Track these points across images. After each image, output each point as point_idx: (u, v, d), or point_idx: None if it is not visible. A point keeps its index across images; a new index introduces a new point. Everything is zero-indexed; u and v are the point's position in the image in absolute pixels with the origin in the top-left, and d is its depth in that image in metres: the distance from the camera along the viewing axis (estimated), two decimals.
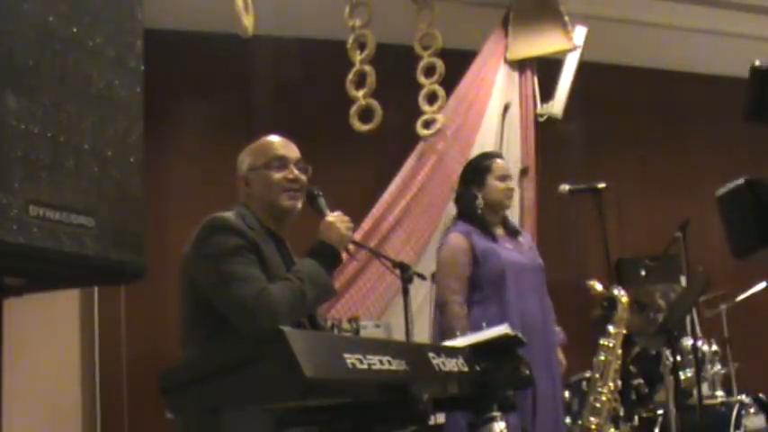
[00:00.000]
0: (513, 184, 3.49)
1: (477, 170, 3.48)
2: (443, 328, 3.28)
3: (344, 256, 2.60)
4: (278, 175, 2.45)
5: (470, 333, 3.06)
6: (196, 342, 2.32)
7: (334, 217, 2.45)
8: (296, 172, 2.47)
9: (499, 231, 3.43)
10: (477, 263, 3.31)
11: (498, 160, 3.50)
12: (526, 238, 3.53)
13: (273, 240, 2.43)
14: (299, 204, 2.48)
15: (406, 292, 3.21)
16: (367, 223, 4.24)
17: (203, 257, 2.30)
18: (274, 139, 2.54)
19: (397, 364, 1.42)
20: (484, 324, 3.19)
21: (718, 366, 4.45)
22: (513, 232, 3.48)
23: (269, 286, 2.24)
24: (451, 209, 4.44)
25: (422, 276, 3.48)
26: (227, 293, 2.23)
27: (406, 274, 3.21)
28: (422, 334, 4.12)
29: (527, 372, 1.91)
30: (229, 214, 2.39)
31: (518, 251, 3.40)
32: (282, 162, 2.47)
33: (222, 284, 2.24)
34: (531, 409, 3.18)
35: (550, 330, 3.37)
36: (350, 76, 4.28)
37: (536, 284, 3.38)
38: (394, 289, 3.68)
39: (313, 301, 2.34)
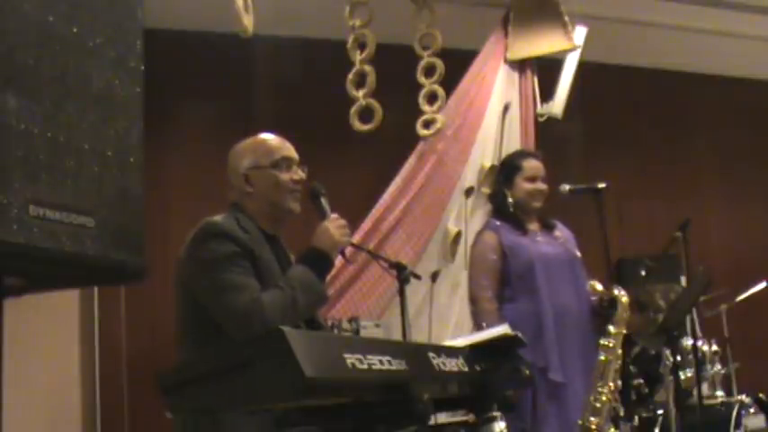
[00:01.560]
0: (545, 185, 3.49)
1: (508, 169, 3.54)
2: (476, 324, 3.34)
3: (341, 261, 2.60)
4: (285, 176, 2.44)
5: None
6: (191, 346, 2.32)
7: (330, 222, 2.43)
8: (300, 173, 2.47)
9: (532, 226, 3.45)
10: (505, 258, 3.33)
11: (528, 161, 3.52)
12: (563, 231, 3.53)
13: (268, 241, 2.42)
14: (299, 207, 2.48)
15: (402, 293, 3.22)
16: (367, 223, 4.24)
17: (197, 264, 2.29)
18: (274, 137, 2.53)
19: (397, 364, 1.42)
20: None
21: (718, 366, 4.45)
22: (548, 226, 3.48)
23: (261, 295, 2.22)
24: (452, 209, 4.46)
25: (417, 276, 3.49)
26: (220, 302, 2.23)
27: (402, 274, 3.22)
28: (421, 334, 4.12)
29: (527, 372, 1.91)
30: (223, 218, 2.37)
31: (550, 244, 3.41)
32: (289, 163, 2.47)
33: (215, 292, 2.24)
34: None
35: (587, 326, 3.35)
36: (350, 76, 4.28)
37: (571, 277, 3.37)
38: (394, 289, 3.68)
39: (305, 308, 2.32)
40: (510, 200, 3.46)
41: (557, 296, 3.28)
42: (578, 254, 3.48)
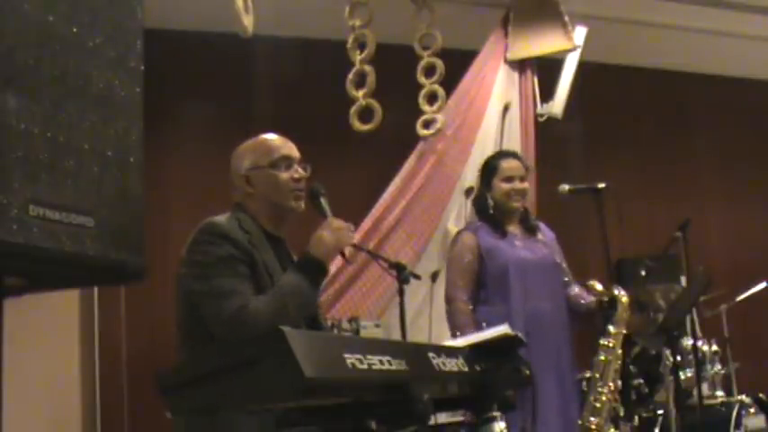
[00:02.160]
0: (524, 184, 3.49)
1: (486, 171, 3.57)
2: (450, 324, 3.38)
3: (341, 261, 2.59)
4: (285, 175, 2.44)
5: (473, 330, 3.13)
6: (191, 347, 2.32)
7: (325, 227, 2.38)
8: (301, 171, 2.46)
9: (513, 228, 3.46)
10: (482, 260, 3.35)
11: (506, 161, 3.53)
12: (546, 234, 3.54)
13: (271, 242, 2.42)
14: (303, 205, 2.48)
15: (401, 293, 3.23)
16: (367, 223, 4.24)
17: (192, 265, 2.29)
18: (275, 137, 2.52)
19: (397, 364, 1.42)
20: (484, 324, 3.20)
21: (718, 366, 4.45)
22: (529, 229, 3.49)
23: (249, 303, 2.21)
24: (452, 209, 4.46)
25: (417, 276, 3.50)
26: (210, 306, 2.23)
27: (402, 274, 3.22)
28: (421, 334, 4.12)
29: (527, 372, 1.91)
30: (224, 219, 2.36)
31: (528, 248, 3.42)
32: (289, 162, 2.46)
33: (206, 297, 2.23)
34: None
35: (564, 332, 3.36)
36: (350, 76, 4.28)
37: (548, 282, 3.38)
38: (393, 289, 3.68)
39: (296, 315, 2.30)
40: (490, 202, 3.48)
41: (531, 300, 3.30)
42: (558, 259, 3.48)
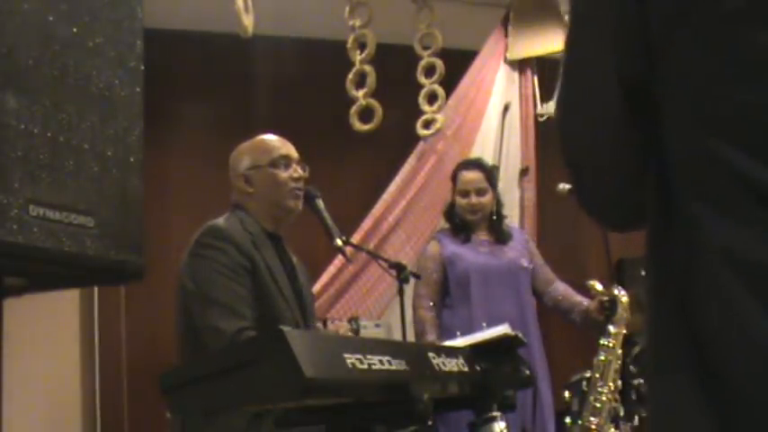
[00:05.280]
0: (482, 197, 3.47)
1: (452, 180, 3.56)
2: (414, 331, 3.44)
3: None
4: (284, 175, 2.45)
5: (433, 337, 3.19)
6: (191, 351, 2.32)
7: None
8: (300, 171, 2.47)
9: (482, 235, 3.47)
10: (445, 268, 3.38)
11: (465, 172, 3.53)
12: (518, 240, 3.53)
13: (271, 241, 2.42)
14: (301, 205, 2.48)
15: (401, 293, 3.24)
16: (367, 223, 4.24)
17: (195, 272, 2.29)
18: (273, 138, 2.53)
19: (397, 364, 1.42)
20: (457, 332, 3.22)
21: None
22: (499, 236, 3.48)
23: (247, 330, 2.21)
24: None
25: (417, 276, 3.51)
26: (206, 318, 2.23)
27: (402, 274, 3.23)
28: None
29: (527, 372, 1.91)
30: (226, 221, 2.37)
31: (493, 254, 3.43)
32: (288, 161, 2.47)
33: (204, 306, 2.24)
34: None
35: (532, 338, 3.36)
36: (350, 76, 4.27)
37: (512, 286, 3.39)
38: (394, 289, 3.69)
39: None
40: (456, 210, 3.50)
41: (494, 305, 3.32)
42: (525, 263, 3.47)
